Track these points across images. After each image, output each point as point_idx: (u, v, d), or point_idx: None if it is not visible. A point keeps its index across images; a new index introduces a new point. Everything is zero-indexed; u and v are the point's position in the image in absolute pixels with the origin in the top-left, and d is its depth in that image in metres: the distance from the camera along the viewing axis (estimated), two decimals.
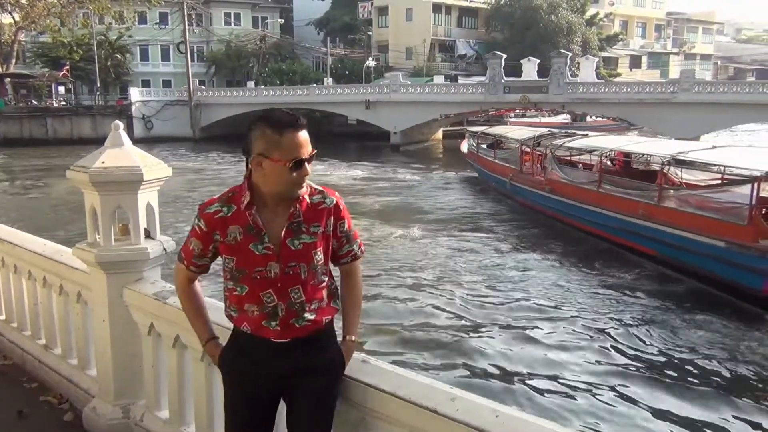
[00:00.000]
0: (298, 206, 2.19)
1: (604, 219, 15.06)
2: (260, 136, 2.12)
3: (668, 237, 12.83)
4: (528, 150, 20.80)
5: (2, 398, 4.07)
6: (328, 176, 27.91)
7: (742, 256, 11.05)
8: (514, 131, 24.89)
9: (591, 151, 18.09)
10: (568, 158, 19.04)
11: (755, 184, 11.18)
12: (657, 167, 14.23)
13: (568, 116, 43.99)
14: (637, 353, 9.51)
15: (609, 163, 18.02)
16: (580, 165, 18.88)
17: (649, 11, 76.54)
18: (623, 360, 9.31)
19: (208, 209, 2.22)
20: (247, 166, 2.21)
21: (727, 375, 8.85)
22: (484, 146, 25.78)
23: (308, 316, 2.23)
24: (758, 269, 10.73)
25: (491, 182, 23.70)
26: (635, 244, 14.02)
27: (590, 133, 21.67)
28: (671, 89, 34.35)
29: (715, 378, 8.76)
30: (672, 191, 13.70)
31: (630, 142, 17.70)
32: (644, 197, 13.89)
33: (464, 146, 28.65)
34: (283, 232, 2.18)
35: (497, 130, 27.39)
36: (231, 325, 2.35)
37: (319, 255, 2.24)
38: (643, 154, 15.79)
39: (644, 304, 11.62)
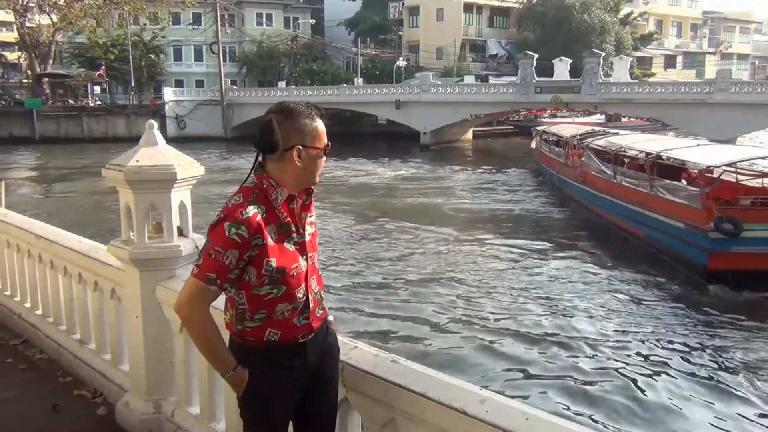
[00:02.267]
0: (310, 196, 2.24)
1: (613, 206, 17.04)
2: (297, 127, 2.11)
3: (650, 220, 14.73)
4: (571, 145, 22.54)
5: (38, 392, 4.15)
6: (363, 175, 28.05)
7: (694, 236, 12.80)
8: (565, 129, 26.90)
9: (619, 149, 18.70)
10: (607, 153, 19.66)
11: (701, 174, 13.37)
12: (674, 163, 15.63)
13: (602, 116, 43.42)
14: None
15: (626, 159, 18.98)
16: (626, 161, 19.13)
17: (684, 10, 75.19)
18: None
19: (247, 213, 2.05)
20: (259, 161, 2.17)
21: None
22: (545, 143, 27.87)
23: (323, 304, 2.32)
24: (704, 247, 12.44)
25: (546, 175, 26.29)
26: (630, 226, 16.01)
27: (620, 132, 23.44)
28: (707, 89, 33.72)
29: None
30: (659, 181, 15.29)
31: (640, 141, 18.87)
32: (639, 187, 15.83)
33: (533, 143, 30.49)
34: (304, 224, 2.22)
35: (553, 128, 29.16)
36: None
37: (316, 243, 2.32)
38: (640, 151, 17.03)
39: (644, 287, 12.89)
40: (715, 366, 9.19)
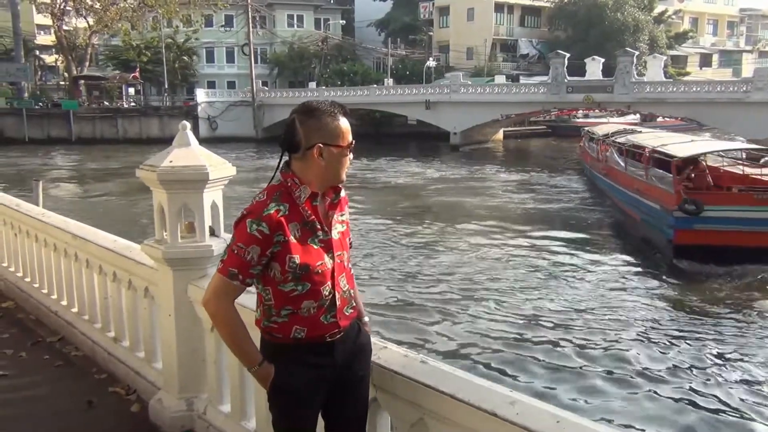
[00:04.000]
0: (338, 195, 2.26)
1: (622, 194, 19.08)
2: (319, 125, 2.14)
3: (642, 205, 16.67)
4: (601, 142, 24.26)
5: (73, 388, 4.23)
6: (395, 175, 28.09)
7: (666, 216, 14.47)
8: (602, 128, 28.50)
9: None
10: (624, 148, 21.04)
11: (674, 163, 15.31)
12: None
13: (637, 116, 42.77)
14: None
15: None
16: (636, 154, 20.34)
17: (721, 8, 73.76)
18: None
19: (268, 210, 2.10)
20: (285, 161, 2.21)
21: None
22: (586, 141, 29.42)
23: (353, 303, 2.32)
24: (671, 225, 14.17)
25: (585, 170, 28.20)
26: (630, 210, 17.94)
27: (643, 130, 25.45)
28: (744, 88, 32.93)
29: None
30: (652, 171, 17.40)
31: (649, 137, 20.74)
32: (639, 177, 17.77)
33: (581, 142, 31.53)
34: (331, 222, 2.23)
35: (595, 128, 30.23)
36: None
37: (348, 242, 2.33)
38: (645, 146, 18.40)
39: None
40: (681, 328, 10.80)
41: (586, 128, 32.49)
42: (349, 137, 2.19)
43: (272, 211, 2.10)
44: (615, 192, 20.10)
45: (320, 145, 2.13)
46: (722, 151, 17.70)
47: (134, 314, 4.15)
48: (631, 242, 16.67)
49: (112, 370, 4.38)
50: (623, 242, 16.89)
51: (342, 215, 2.29)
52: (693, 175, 15.83)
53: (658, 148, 17.17)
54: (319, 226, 2.18)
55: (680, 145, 17.21)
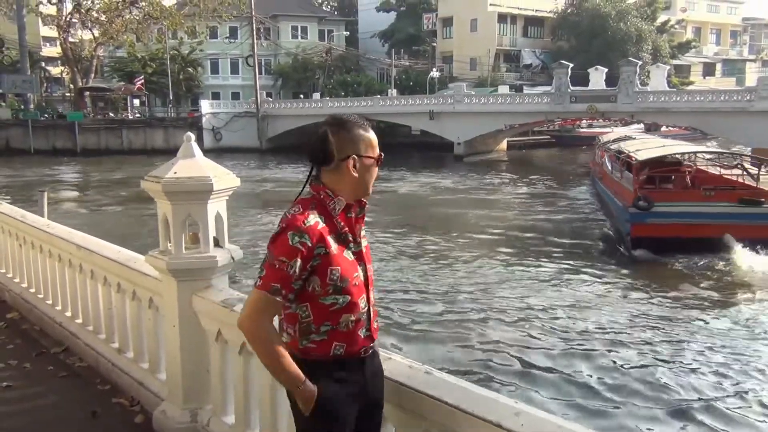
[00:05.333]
0: (363, 208, 2.24)
1: (607, 195, 20.78)
2: (352, 137, 2.14)
3: (614, 203, 18.57)
4: (601, 149, 26.29)
5: (77, 399, 4.23)
6: (400, 185, 28.07)
7: (625, 212, 16.16)
8: (608, 136, 30.65)
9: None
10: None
11: (634, 165, 17.16)
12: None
13: (641, 125, 42.78)
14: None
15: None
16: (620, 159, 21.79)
17: (723, 17, 73.88)
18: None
19: (308, 222, 2.05)
20: (315, 173, 2.19)
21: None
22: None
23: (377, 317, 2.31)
24: (628, 220, 15.85)
25: (591, 176, 29.30)
26: (611, 209, 19.25)
27: (637, 137, 27.03)
28: (747, 97, 32.93)
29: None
30: (625, 173, 19.06)
31: (632, 143, 22.59)
32: (616, 178, 19.73)
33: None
34: (360, 235, 2.22)
35: (603, 137, 32.02)
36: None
37: (370, 255, 2.32)
38: (625, 152, 19.92)
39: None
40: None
41: (599, 137, 33.45)
42: (378, 149, 2.21)
43: (312, 223, 2.06)
44: (605, 195, 21.70)
45: (354, 156, 2.14)
46: (685, 153, 19.67)
47: (138, 325, 4.15)
48: (608, 240, 17.88)
49: (116, 381, 4.37)
50: (604, 241, 17.85)
51: (363, 229, 2.28)
52: (673, 176, 17.58)
53: (631, 153, 18.82)
54: (351, 238, 2.17)
55: (646, 150, 18.77)
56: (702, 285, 13.49)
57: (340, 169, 2.14)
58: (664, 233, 14.96)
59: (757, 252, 14.51)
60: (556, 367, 9.38)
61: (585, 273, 14.51)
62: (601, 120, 43.00)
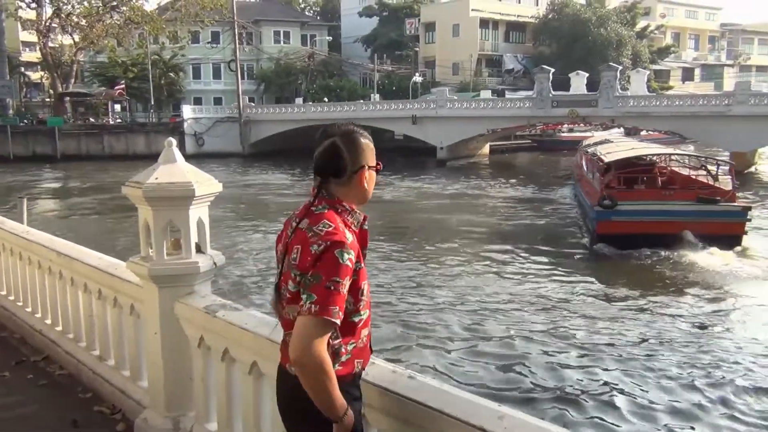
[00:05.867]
0: (365, 220, 2.17)
1: (581, 196, 21.62)
2: (363, 147, 2.09)
3: (585, 203, 19.58)
4: (580, 152, 27.28)
5: (57, 408, 4.18)
6: (383, 189, 28.12)
7: (592, 210, 17.20)
8: (589, 139, 32.09)
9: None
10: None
11: (601, 167, 18.45)
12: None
13: (621, 130, 43.21)
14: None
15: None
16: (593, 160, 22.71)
17: (702, 23, 74.91)
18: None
19: (349, 237, 1.96)
20: (323, 184, 2.08)
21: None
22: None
23: None
24: (594, 218, 17.01)
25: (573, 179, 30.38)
26: (585, 209, 19.87)
27: (614, 141, 27.74)
28: (726, 102, 33.40)
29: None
30: (595, 175, 19.91)
31: (604, 146, 23.86)
32: (589, 179, 20.87)
33: None
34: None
35: (586, 140, 33.05)
36: None
37: None
38: (598, 154, 20.67)
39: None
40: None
41: (582, 141, 33.95)
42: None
43: (352, 239, 1.97)
44: (580, 196, 22.49)
45: (368, 167, 2.10)
46: (651, 155, 21.04)
47: (120, 332, 4.11)
48: (579, 237, 19.04)
49: (97, 389, 4.33)
50: (577, 239, 18.88)
51: None
52: (645, 177, 18.71)
53: (601, 155, 19.92)
54: (364, 252, 2.09)
55: (615, 153, 19.99)
56: (657, 277, 14.53)
57: (352, 180, 2.07)
58: (627, 230, 15.93)
59: (709, 246, 15.55)
60: (528, 362, 9.68)
61: (556, 269, 15.19)
62: (582, 124, 43.35)
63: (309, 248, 1.93)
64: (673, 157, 21.41)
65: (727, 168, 17.98)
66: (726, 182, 17.30)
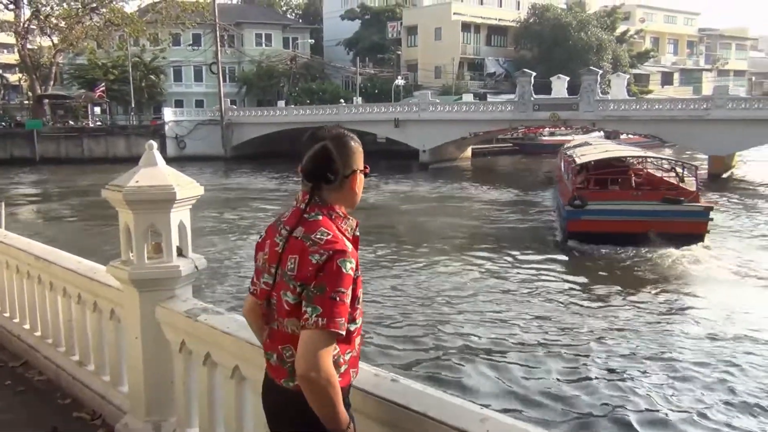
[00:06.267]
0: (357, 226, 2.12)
1: (557, 195, 22.57)
2: (354, 151, 2.05)
3: (559, 203, 20.32)
4: (560, 154, 27.66)
5: (37, 414, 4.13)
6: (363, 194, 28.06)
7: (564, 210, 18.00)
8: (571, 142, 32.33)
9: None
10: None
11: (573, 168, 19.44)
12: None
13: (602, 133, 43.57)
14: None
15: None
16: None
17: (680, 28, 75.86)
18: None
19: (347, 246, 1.90)
20: (315, 190, 2.01)
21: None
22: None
23: None
24: (565, 217, 17.84)
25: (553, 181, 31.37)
26: (556, 208, 21.21)
27: (592, 143, 28.30)
28: (704, 106, 33.78)
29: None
30: (570, 175, 20.30)
31: (580, 148, 24.71)
32: (564, 180, 21.40)
33: None
34: None
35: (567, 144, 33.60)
36: None
37: None
38: (574, 157, 21.29)
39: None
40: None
41: (565, 144, 34.16)
42: None
43: (352, 247, 1.92)
44: (557, 196, 23.26)
45: (359, 171, 2.06)
46: (622, 157, 21.76)
47: (99, 337, 4.07)
48: (555, 236, 19.59)
49: (76, 395, 4.28)
50: (552, 237, 19.49)
51: None
52: (620, 179, 19.37)
53: (575, 157, 20.80)
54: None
55: (589, 155, 21.11)
56: (620, 272, 15.34)
57: (344, 185, 2.02)
58: (595, 228, 16.70)
59: (673, 244, 16.32)
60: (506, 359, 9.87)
61: (530, 265, 15.96)
62: (563, 128, 43.67)
63: (309, 258, 1.88)
64: (648, 160, 22.15)
65: (692, 170, 18.90)
66: (691, 183, 18.22)
